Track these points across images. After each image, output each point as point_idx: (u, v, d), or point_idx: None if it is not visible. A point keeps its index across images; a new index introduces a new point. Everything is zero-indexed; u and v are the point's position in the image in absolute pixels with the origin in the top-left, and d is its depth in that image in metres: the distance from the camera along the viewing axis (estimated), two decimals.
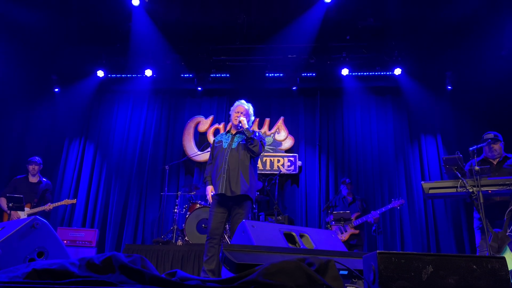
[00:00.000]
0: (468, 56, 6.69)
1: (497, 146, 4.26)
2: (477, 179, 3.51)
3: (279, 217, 5.87)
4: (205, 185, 4.16)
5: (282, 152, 7.35)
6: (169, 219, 6.93)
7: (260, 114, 7.24)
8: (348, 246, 5.51)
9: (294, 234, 2.69)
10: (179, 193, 6.37)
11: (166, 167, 6.59)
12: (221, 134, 4.38)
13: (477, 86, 6.71)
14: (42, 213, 5.66)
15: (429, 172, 6.92)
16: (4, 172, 6.94)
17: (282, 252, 2.05)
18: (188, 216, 5.77)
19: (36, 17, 6.26)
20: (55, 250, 2.54)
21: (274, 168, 7.18)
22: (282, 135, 7.43)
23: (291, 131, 7.47)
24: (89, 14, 6.47)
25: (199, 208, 5.80)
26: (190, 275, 1.60)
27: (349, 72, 7.22)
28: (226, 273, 2.19)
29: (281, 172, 7.00)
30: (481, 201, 3.41)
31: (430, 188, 3.71)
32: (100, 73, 7.44)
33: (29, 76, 7.31)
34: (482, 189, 3.47)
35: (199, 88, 7.72)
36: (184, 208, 6.16)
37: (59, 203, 5.73)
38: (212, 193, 4.03)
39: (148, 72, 7.39)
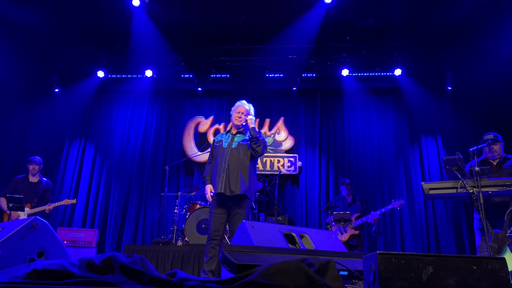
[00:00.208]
0: (468, 56, 6.69)
1: (497, 147, 4.26)
2: (477, 180, 3.51)
3: (279, 218, 5.87)
4: (205, 184, 4.16)
5: (282, 153, 7.35)
6: (169, 220, 6.93)
7: (260, 114, 7.24)
8: (348, 247, 5.51)
9: (294, 234, 2.69)
10: (179, 193, 6.37)
11: (166, 167, 6.59)
12: (221, 134, 4.39)
13: (477, 87, 6.71)
14: (42, 214, 5.66)
15: (429, 173, 6.91)
16: (4, 173, 6.94)
17: (282, 253, 2.05)
18: (188, 217, 5.77)
19: (36, 18, 6.27)
20: (55, 250, 2.54)
21: (274, 169, 7.18)
22: (282, 136, 7.43)
23: (291, 132, 7.47)
24: (89, 15, 6.47)
25: (199, 208, 5.80)
26: (190, 276, 1.60)
27: (349, 73, 7.22)
28: (226, 274, 2.19)
29: (281, 173, 7.00)
30: (481, 201, 3.41)
31: (430, 189, 3.72)
32: (100, 74, 7.45)
33: (30, 77, 7.31)
34: (482, 189, 3.47)
35: (199, 89, 7.72)
36: (184, 208, 6.16)
37: (59, 203, 5.72)
38: (211, 193, 4.04)
39: (148, 73, 7.39)
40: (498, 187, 3.54)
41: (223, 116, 7.68)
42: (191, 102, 7.86)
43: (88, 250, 5.76)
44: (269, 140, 7.35)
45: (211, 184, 4.07)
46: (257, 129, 4.11)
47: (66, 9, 6.31)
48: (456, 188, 3.59)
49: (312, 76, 7.53)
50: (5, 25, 6.29)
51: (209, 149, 4.42)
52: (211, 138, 7.31)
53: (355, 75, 7.38)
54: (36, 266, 1.57)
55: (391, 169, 7.05)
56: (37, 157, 5.93)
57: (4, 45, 6.49)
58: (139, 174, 7.40)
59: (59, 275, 1.53)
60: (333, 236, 2.93)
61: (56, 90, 7.75)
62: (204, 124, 7.59)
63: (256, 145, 3.98)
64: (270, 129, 7.47)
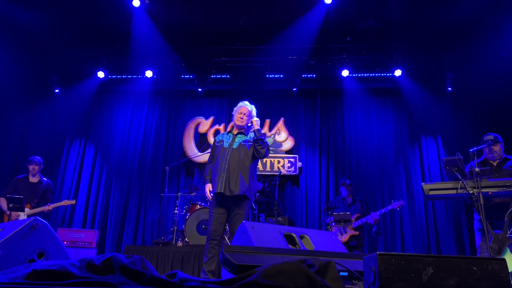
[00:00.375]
0: (468, 57, 6.70)
1: (497, 148, 4.27)
2: (477, 181, 3.51)
3: (279, 218, 5.87)
4: (205, 183, 4.17)
5: (282, 153, 7.35)
6: (169, 220, 6.93)
7: (260, 115, 7.14)
8: (348, 248, 5.50)
9: (294, 235, 2.69)
10: (179, 194, 6.37)
11: (167, 168, 6.59)
12: (222, 134, 4.39)
13: (477, 88, 6.71)
14: (42, 214, 5.65)
15: (429, 174, 6.91)
16: (4, 173, 6.93)
17: (282, 254, 2.05)
18: (188, 217, 5.77)
19: (36, 18, 6.27)
20: (55, 251, 2.54)
21: (274, 169, 7.18)
22: (283, 136, 7.43)
23: (291, 132, 7.47)
24: (89, 15, 6.47)
25: (199, 209, 5.80)
26: (190, 276, 1.60)
27: (349, 73, 7.22)
28: (226, 274, 2.19)
29: (281, 173, 6.99)
30: (481, 202, 3.41)
31: (431, 190, 3.71)
32: (101, 74, 7.45)
33: (30, 77, 7.31)
34: (482, 190, 3.47)
35: (200, 89, 7.72)
36: (184, 209, 6.15)
37: (58, 204, 5.71)
38: (211, 193, 4.04)
39: (149, 73, 7.40)
40: (498, 188, 3.54)
41: (223, 116, 7.68)
42: (191, 102, 7.87)
43: (88, 250, 5.76)
44: (269, 141, 7.34)
45: (211, 183, 4.08)
46: (262, 131, 4.12)
47: (66, 9, 6.32)
48: (456, 189, 3.59)
49: (312, 76, 7.53)
50: (5, 25, 6.29)
51: (209, 150, 4.42)
52: (211, 139, 7.31)
53: (355, 75, 7.38)
54: (36, 266, 1.57)
55: (391, 169, 7.05)
56: (37, 157, 5.92)
57: (4, 45, 6.49)
58: (139, 174, 7.40)
59: (59, 275, 1.53)
60: (333, 236, 2.93)
61: (56, 90, 7.75)
62: (204, 124, 7.59)
63: (260, 147, 4.00)
64: (270, 129, 7.47)
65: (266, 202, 6.83)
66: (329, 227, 5.68)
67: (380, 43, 6.94)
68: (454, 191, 3.62)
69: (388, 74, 7.26)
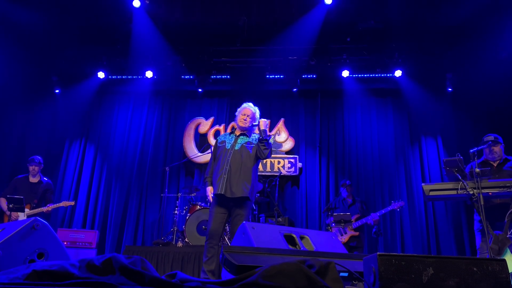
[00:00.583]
0: (468, 58, 6.70)
1: (497, 148, 4.27)
2: (477, 181, 3.51)
3: (280, 219, 5.86)
4: (205, 185, 4.16)
5: (283, 154, 7.35)
6: (169, 221, 6.93)
7: (261, 115, 7.22)
8: (348, 248, 5.50)
9: (294, 236, 2.68)
10: (179, 194, 6.37)
11: (167, 168, 6.59)
12: (225, 135, 4.37)
13: (477, 88, 6.72)
14: (42, 214, 5.65)
15: (430, 174, 6.91)
16: (4, 173, 6.93)
17: (282, 254, 2.05)
18: (188, 218, 5.76)
19: (37, 19, 6.27)
20: (55, 251, 2.54)
21: (274, 170, 7.17)
22: (283, 137, 7.43)
23: (291, 133, 7.47)
24: (89, 16, 6.48)
25: (199, 209, 5.79)
26: (190, 277, 1.60)
27: (349, 74, 7.23)
28: (226, 275, 2.19)
29: (282, 174, 6.99)
30: (482, 203, 3.41)
31: (431, 190, 3.71)
32: (101, 75, 7.45)
33: (30, 78, 7.32)
34: (482, 191, 3.47)
35: (200, 90, 7.72)
36: (184, 209, 6.15)
37: (57, 205, 5.70)
38: (212, 194, 4.04)
39: (149, 74, 7.40)
40: (498, 189, 3.54)
41: (223, 117, 7.68)
42: (192, 103, 7.87)
43: (88, 251, 5.76)
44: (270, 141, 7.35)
45: (212, 185, 4.07)
46: (268, 133, 4.12)
47: (66, 9, 6.32)
48: (457, 189, 3.59)
49: (313, 77, 7.54)
50: (5, 25, 6.30)
51: (209, 150, 4.42)
52: (211, 139, 7.31)
53: (355, 76, 7.38)
54: (36, 267, 1.57)
55: (391, 170, 7.05)
56: (37, 157, 5.90)
57: (4, 46, 6.49)
58: (139, 175, 7.40)
59: (59, 276, 1.53)
60: (333, 237, 2.93)
61: (57, 91, 7.75)
62: (205, 125, 7.59)
63: (264, 147, 4.00)
64: (270, 130, 7.47)
65: (266, 202, 6.83)
66: (329, 227, 5.68)
67: (380, 44, 6.94)
68: (454, 192, 3.62)
69: (388, 75, 7.27)
